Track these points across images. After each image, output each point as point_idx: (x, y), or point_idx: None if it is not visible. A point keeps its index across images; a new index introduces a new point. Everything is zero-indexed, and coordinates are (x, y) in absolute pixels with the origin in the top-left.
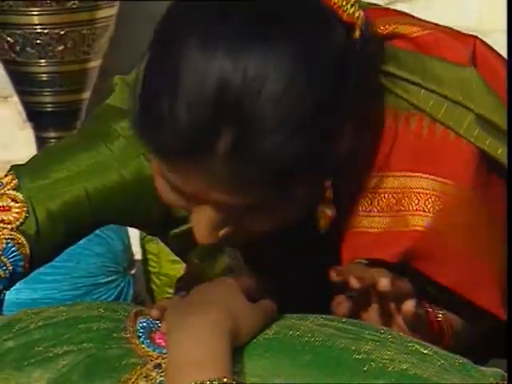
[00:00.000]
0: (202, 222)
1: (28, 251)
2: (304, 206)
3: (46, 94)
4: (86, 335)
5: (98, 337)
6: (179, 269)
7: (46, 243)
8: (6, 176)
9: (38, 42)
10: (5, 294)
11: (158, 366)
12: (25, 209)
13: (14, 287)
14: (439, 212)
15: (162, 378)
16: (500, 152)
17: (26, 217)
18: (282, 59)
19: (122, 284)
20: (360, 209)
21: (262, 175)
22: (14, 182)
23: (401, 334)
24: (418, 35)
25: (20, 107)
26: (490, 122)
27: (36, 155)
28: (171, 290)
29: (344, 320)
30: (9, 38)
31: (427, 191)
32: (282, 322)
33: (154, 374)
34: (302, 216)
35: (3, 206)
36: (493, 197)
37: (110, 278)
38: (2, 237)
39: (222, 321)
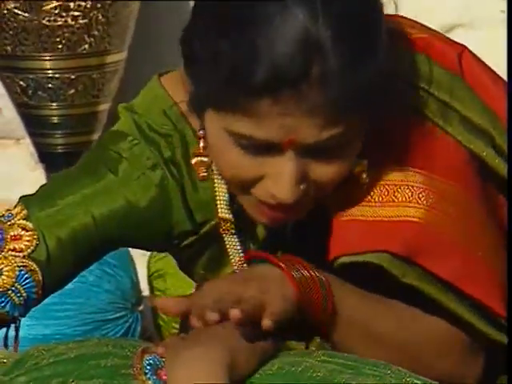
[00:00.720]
0: (287, 174)
1: (40, 277)
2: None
3: (57, 135)
4: (95, 371)
5: (106, 373)
6: None
7: (58, 269)
8: (15, 207)
9: (50, 86)
10: (20, 320)
11: None
12: (35, 237)
13: (27, 323)
14: (432, 205)
15: None
16: (485, 154)
17: (37, 244)
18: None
19: (131, 320)
20: (353, 198)
21: (346, 101)
22: (23, 212)
23: (399, 368)
24: (416, 36)
25: (32, 149)
26: (475, 124)
27: (43, 185)
28: (178, 326)
29: (345, 355)
30: (21, 82)
31: (420, 185)
32: (285, 358)
33: None
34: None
35: (14, 235)
36: (484, 196)
37: (118, 314)
38: (15, 265)
39: (220, 356)
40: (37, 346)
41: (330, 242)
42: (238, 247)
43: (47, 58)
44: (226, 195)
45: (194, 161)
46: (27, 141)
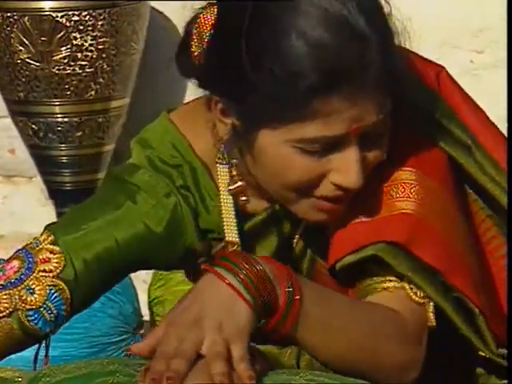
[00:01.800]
0: (354, 163)
1: (68, 296)
2: None
3: (65, 174)
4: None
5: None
6: None
7: (84, 288)
8: (41, 235)
9: (59, 128)
10: (50, 337)
11: None
12: (62, 258)
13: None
14: (422, 199)
15: None
16: (464, 162)
17: (65, 265)
18: None
19: (132, 342)
20: (353, 203)
21: (387, 82)
22: (49, 238)
23: None
24: None
25: (43, 186)
26: (456, 137)
27: (66, 214)
28: None
29: (330, 375)
30: (33, 126)
31: (412, 182)
32: (275, 377)
33: None
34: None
35: (43, 258)
36: (460, 200)
37: (121, 337)
38: (46, 284)
39: None
40: (49, 366)
41: (331, 248)
42: None
43: (57, 103)
44: (234, 218)
45: (231, 188)
46: (38, 179)
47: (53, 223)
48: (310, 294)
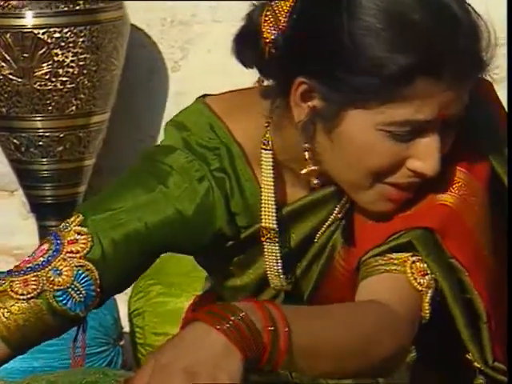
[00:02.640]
0: (435, 150)
1: (97, 276)
2: None
3: (46, 188)
4: None
5: None
6: (162, 340)
7: (112, 268)
8: (71, 217)
9: (41, 143)
10: (87, 320)
11: None
12: (89, 239)
13: (19, 356)
14: (463, 196)
15: None
16: (502, 171)
17: (92, 246)
18: None
19: (113, 354)
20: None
21: (477, 71)
22: (78, 219)
23: None
24: None
25: (24, 200)
26: (499, 143)
27: (97, 195)
28: None
29: None
30: (15, 141)
31: (458, 179)
32: None
33: None
34: None
35: (71, 240)
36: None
37: (101, 349)
38: (73, 265)
39: None
40: (34, 375)
41: (361, 236)
42: (278, 255)
43: (38, 118)
44: (273, 205)
45: (304, 171)
46: (20, 192)
47: (83, 203)
48: (296, 326)
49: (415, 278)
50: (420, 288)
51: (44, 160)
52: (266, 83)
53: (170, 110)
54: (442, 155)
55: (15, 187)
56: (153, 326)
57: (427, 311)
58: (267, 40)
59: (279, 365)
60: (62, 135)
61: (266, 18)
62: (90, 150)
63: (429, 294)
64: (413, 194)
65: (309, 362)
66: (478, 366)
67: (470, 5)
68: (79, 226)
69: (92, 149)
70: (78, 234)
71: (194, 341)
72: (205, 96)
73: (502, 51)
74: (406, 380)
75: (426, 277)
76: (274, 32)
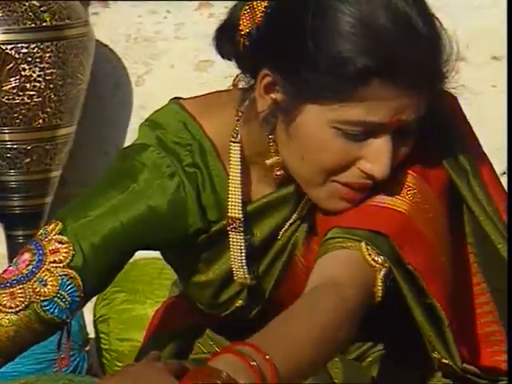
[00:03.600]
0: (386, 153)
1: (80, 282)
2: None
3: (14, 198)
4: None
5: None
6: (126, 346)
7: (94, 272)
8: (50, 224)
9: (8, 155)
10: (71, 323)
11: None
12: (71, 248)
13: None
14: (416, 203)
15: None
16: (459, 183)
17: (73, 254)
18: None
19: (78, 359)
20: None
21: (435, 79)
22: (57, 227)
23: None
24: None
25: None
26: (456, 156)
27: (73, 201)
28: (120, 364)
29: None
30: None
31: (411, 185)
32: None
33: None
34: None
35: (52, 249)
36: (449, 213)
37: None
38: (57, 275)
39: None
40: (4, 381)
41: (325, 223)
42: (243, 246)
43: (6, 131)
44: (239, 196)
45: (269, 162)
46: None
47: (62, 210)
48: (274, 353)
49: (370, 255)
50: (374, 264)
51: (11, 171)
52: (240, 86)
53: (134, 124)
54: (399, 161)
55: None
56: (117, 332)
57: (380, 288)
58: (242, 32)
59: None
60: (29, 147)
61: (245, 12)
62: (56, 162)
63: (382, 272)
64: (368, 196)
65: (291, 376)
66: (447, 361)
67: (437, 19)
68: (59, 234)
69: (58, 161)
70: (59, 242)
71: None
72: (178, 98)
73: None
74: (327, 380)
75: (381, 257)
76: (249, 26)
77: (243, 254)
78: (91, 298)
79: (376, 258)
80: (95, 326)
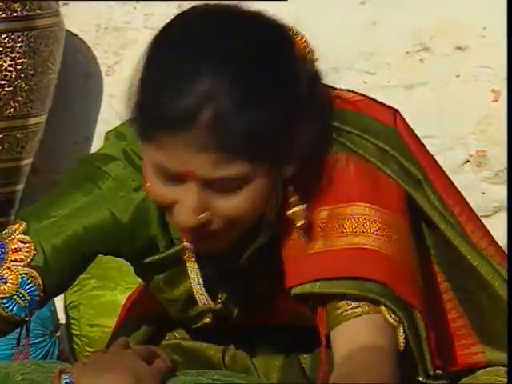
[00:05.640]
0: (186, 203)
1: (40, 282)
2: (268, 200)
3: None
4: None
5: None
6: (97, 332)
7: (55, 273)
8: (14, 224)
9: None
10: (30, 320)
11: None
12: (32, 247)
13: None
14: (376, 232)
15: None
16: (416, 195)
17: (35, 254)
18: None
19: (49, 344)
20: (297, 237)
21: (237, 145)
22: (21, 227)
23: None
24: (356, 99)
25: None
26: (408, 170)
27: (38, 201)
28: (90, 350)
29: (234, 374)
30: None
31: (366, 216)
32: (182, 378)
33: None
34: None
35: (15, 248)
36: (409, 220)
37: (39, 340)
38: (17, 273)
39: (128, 380)
40: None
41: (285, 272)
42: (199, 275)
43: None
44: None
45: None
46: None
47: (25, 210)
48: None
49: (390, 315)
50: (395, 323)
51: None
52: None
53: (104, 113)
54: (231, 214)
55: None
56: (88, 317)
57: (402, 344)
58: None
59: None
60: (0, 136)
61: None
62: (27, 150)
63: (401, 328)
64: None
65: None
66: (421, 379)
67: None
68: (22, 234)
69: (29, 149)
70: (22, 242)
71: None
72: None
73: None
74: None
75: (397, 313)
76: None
77: (201, 283)
78: (52, 297)
79: (394, 316)
80: (66, 312)
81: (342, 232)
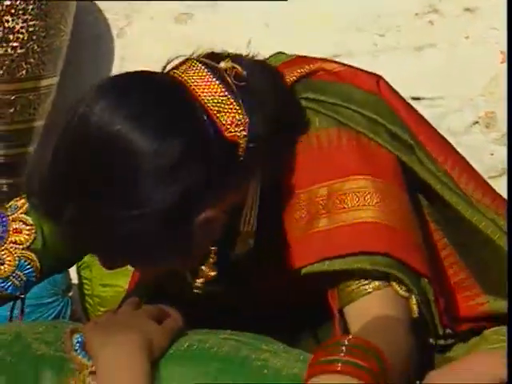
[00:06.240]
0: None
1: (38, 264)
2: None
3: None
4: (33, 345)
5: (43, 344)
6: (109, 291)
7: (53, 256)
8: (20, 199)
9: None
10: (25, 297)
11: (93, 373)
12: (33, 231)
13: None
14: (377, 204)
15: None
16: (409, 160)
17: (35, 237)
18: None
19: (62, 304)
20: (299, 217)
21: (93, 245)
22: (25, 206)
23: (290, 348)
24: (338, 70)
25: None
26: (398, 136)
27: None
28: (103, 309)
29: (244, 334)
30: None
31: (364, 189)
32: (193, 336)
33: (89, 379)
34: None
35: (16, 229)
36: (406, 188)
37: (51, 299)
38: (16, 255)
39: (139, 340)
40: None
41: (290, 254)
42: None
43: None
44: None
45: None
46: None
47: None
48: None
49: (401, 287)
50: (406, 294)
51: None
52: None
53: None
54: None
55: None
56: (100, 277)
57: (417, 312)
58: None
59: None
60: (12, 98)
61: None
62: (39, 112)
63: (413, 296)
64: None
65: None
66: (432, 341)
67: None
68: (25, 214)
69: (41, 111)
70: (24, 223)
71: None
72: None
73: None
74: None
75: (407, 286)
76: None
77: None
78: (49, 277)
79: (404, 288)
80: (78, 272)
81: (344, 208)
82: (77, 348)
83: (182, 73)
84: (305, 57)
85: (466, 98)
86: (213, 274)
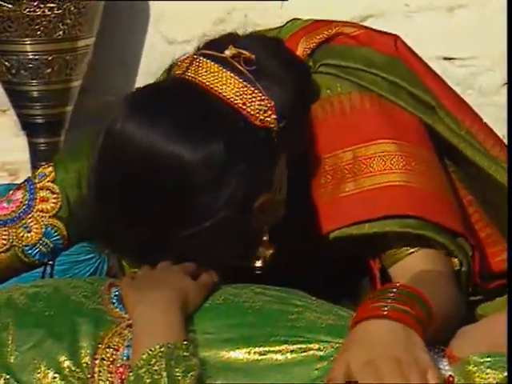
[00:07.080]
0: None
1: (65, 232)
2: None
3: (36, 107)
4: (71, 298)
5: (80, 297)
6: None
7: (80, 224)
8: (48, 167)
9: (30, 65)
10: (54, 262)
11: (130, 325)
12: (59, 199)
13: None
14: (404, 167)
15: (132, 336)
16: (432, 121)
17: (61, 206)
18: None
19: (99, 261)
20: (325, 182)
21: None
22: (52, 174)
23: (323, 301)
24: (356, 33)
25: (16, 118)
26: (419, 98)
27: (72, 146)
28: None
29: (277, 288)
30: (6, 63)
31: (391, 153)
32: (228, 290)
33: (126, 331)
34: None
35: (42, 197)
36: (432, 147)
37: (88, 256)
38: (42, 223)
39: (175, 296)
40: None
41: (319, 219)
42: None
43: (28, 42)
44: None
45: None
46: (12, 112)
47: (60, 156)
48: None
49: (437, 247)
50: (444, 251)
51: (33, 81)
52: None
53: (151, 35)
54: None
55: (7, 107)
56: None
57: (458, 263)
58: None
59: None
60: (50, 58)
61: None
62: (76, 72)
63: (456, 260)
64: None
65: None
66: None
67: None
68: (52, 182)
69: (78, 71)
70: (50, 191)
71: (378, 332)
72: None
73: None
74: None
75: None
76: None
77: None
78: (78, 243)
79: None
80: None
81: (371, 172)
82: (114, 301)
83: (195, 74)
84: (322, 20)
85: (497, 57)
86: (271, 251)
